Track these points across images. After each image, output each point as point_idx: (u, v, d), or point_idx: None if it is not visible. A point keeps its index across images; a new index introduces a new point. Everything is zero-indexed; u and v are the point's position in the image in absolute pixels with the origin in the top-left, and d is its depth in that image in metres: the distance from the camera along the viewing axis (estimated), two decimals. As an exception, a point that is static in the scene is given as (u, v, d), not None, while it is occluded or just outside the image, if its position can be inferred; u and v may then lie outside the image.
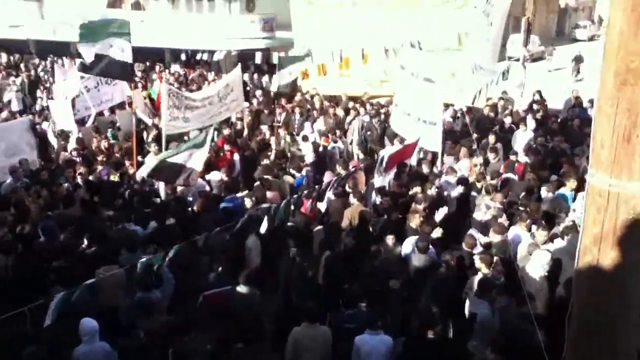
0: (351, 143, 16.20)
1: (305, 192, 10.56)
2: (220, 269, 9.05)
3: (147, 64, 28.27)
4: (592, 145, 3.21)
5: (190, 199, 11.53)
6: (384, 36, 17.76)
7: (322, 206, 11.13)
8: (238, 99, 15.56)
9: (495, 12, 14.80)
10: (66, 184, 12.06)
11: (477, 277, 8.08)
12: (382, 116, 17.18)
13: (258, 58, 24.99)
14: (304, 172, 13.02)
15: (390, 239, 9.12)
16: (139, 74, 25.55)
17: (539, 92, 20.04)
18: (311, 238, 9.87)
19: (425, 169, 12.70)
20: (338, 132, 16.23)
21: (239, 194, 11.48)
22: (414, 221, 9.68)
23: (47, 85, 24.12)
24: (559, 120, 17.17)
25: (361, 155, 15.38)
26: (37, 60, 31.23)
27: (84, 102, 16.62)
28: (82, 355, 6.69)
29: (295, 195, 10.20)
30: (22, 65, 30.16)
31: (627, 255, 3.20)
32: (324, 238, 9.77)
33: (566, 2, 62.61)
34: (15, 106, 21.59)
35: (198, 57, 28.33)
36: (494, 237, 9.18)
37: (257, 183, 11.98)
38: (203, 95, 14.85)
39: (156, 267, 7.76)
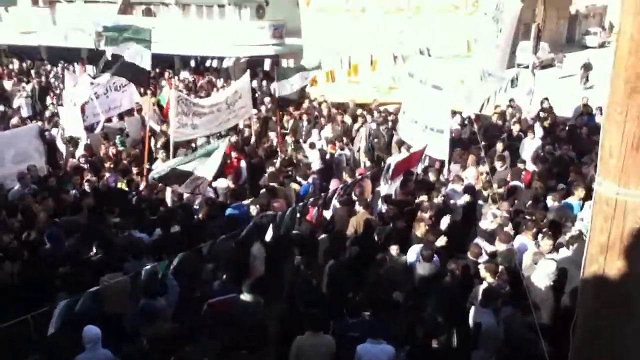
0: (358, 150, 16.15)
1: (311, 199, 10.55)
2: (224, 276, 9.04)
3: (157, 70, 28.39)
4: (601, 153, 3.18)
5: (197, 206, 11.54)
6: (392, 43, 17.78)
7: (327, 214, 11.11)
8: (246, 106, 15.59)
9: (505, 19, 14.80)
10: (73, 191, 12.11)
11: (482, 286, 8.04)
12: (390, 123, 17.14)
13: (267, 65, 25.02)
14: (310, 180, 12.99)
15: (394, 249, 9.08)
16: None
17: (547, 99, 19.96)
18: (316, 246, 9.85)
19: (432, 177, 12.67)
20: (345, 140, 16.20)
21: (245, 202, 11.48)
22: (420, 229, 9.65)
23: (58, 91, 24.26)
24: (567, 128, 17.08)
25: (368, 163, 15.35)
26: (48, 67, 31.45)
27: (93, 109, 16.68)
28: (85, 363, 6.70)
29: (301, 203, 10.20)
30: (32, 72, 30.35)
31: (633, 265, 3.17)
32: (329, 246, 9.75)
33: (577, 8, 62.43)
34: (25, 112, 21.72)
35: (207, 63, 28.42)
36: (500, 246, 9.15)
37: (263, 190, 11.98)
38: (211, 102, 14.89)
39: (161, 275, 7.78)
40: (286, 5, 30.18)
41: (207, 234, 9.22)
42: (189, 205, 11.43)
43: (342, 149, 15.47)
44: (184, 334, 7.05)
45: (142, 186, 12.75)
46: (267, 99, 21.35)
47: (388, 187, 11.71)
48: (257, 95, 22.31)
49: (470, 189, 11.68)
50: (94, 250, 9.16)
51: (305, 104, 20.08)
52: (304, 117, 18.29)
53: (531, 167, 13.33)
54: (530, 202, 11.14)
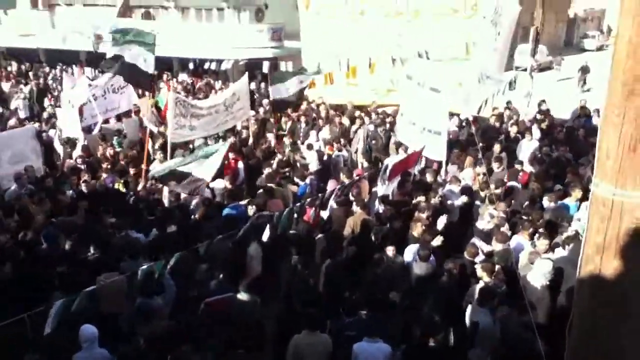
0: (356, 152, 16.18)
1: (309, 200, 10.56)
2: (221, 276, 9.03)
3: (155, 72, 28.33)
4: (598, 155, 3.18)
5: (194, 206, 11.54)
6: (391, 45, 17.81)
7: (325, 214, 11.12)
8: (244, 108, 15.57)
9: (504, 22, 14.78)
10: (70, 191, 12.11)
11: (479, 286, 8.05)
12: (388, 125, 17.17)
13: (265, 67, 25.05)
14: (307, 181, 13.01)
15: (390, 250, 9.07)
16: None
17: (544, 101, 19.99)
18: (313, 246, 9.86)
19: (429, 177, 12.68)
20: (343, 141, 16.21)
21: (242, 202, 11.47)
22: (417, 229, 9.67)
23: (56, 93, 24.27)
24: (564, 129, 17.10)
25: (365, 164, 15.36)
26: (47, 69, 31.47)
27: (91, 110, 16.68)
28: (81, 362, 6.70)
29: (298, 204, 10.20)
30: (31, 74, 30.37)
31: (629, 265, 3.17)
32: (326, 246, 9.76)
33: (575, 12, 62.53)
34: (22, 114, 21.71)
35: (206, 66, 28.43)
36: (497, 246, 9.16)
37: (261, 191, 11.98)
38: (210, 104, 14.87)
39: (157, 275, 7.78)
40: (285, 8, 30.26)
41: (204, 234, 9.23)
42: (186, 206, 11.43)
43: (339, 150, 15.49)
44: (181, 333, 7.05)
45: (139, 187, 12.75)
46: (265, 101, 21.36)
47: (385, 188, 11.73)
48: (255, 97, 22.31)
49: (468, 189, 11.70)
50: (91, 250, 9.16)
51: (303, 106, 20.11)
52: (302, 118, 18.33)
53: (528, 168, 13.37)
54: (527, 203, 11.15)
